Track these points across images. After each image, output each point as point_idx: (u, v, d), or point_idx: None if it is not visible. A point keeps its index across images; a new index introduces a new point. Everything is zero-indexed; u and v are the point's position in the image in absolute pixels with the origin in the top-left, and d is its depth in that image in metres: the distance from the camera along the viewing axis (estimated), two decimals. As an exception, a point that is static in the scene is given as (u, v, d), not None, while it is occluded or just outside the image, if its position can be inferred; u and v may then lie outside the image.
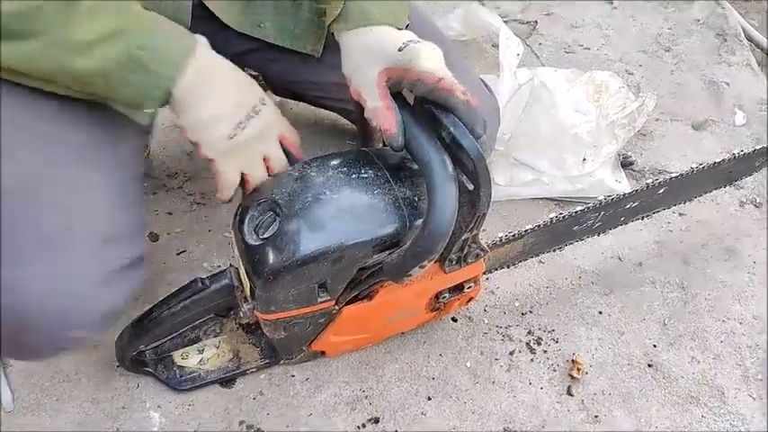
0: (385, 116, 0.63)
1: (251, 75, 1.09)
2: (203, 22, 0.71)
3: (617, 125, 1.06)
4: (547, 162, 1.04)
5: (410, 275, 0.65)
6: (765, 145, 0.92)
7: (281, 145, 0.68)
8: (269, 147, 0.67)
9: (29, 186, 0.55)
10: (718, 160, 0.87)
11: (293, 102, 1.13)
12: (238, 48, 0.83)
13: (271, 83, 1.06)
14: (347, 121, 1.01)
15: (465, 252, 0.72)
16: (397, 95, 0.65)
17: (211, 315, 0.74)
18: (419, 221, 0.66)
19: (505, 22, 1.35)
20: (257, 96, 0.64)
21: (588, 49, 1.30)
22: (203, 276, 0.70)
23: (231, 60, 0.96)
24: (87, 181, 0.59)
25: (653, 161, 1.09)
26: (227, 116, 0.62)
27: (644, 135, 1.12)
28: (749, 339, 0.87)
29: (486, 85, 0.95)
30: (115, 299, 0.58)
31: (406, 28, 0.70)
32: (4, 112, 0.55)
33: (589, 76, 1.16)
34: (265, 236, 0.65)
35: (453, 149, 0.62)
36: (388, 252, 0.67)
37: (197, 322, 0.74)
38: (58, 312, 0.54)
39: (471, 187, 0.63)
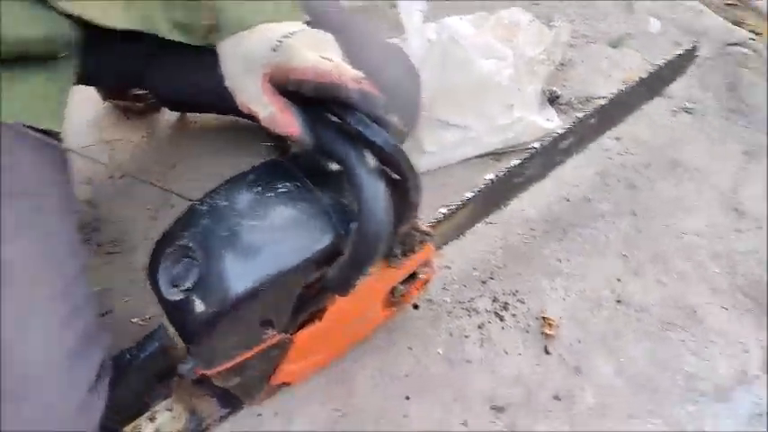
0: (283, 120, 0.55)
1: (138, 94, 1.01)
2: (92, 50, 0.62)
3: (536, 62, 1.02)
4: (473, 117, 0.99)
5: (354, 286, 0.60)
6: (684, 49, 0.89)
7: None
8: None
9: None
10: (641, 77, 0.84)
11: (196, 114, 1.04)
12: (131, 68, 0.75)
13: (169, 99, 0.97)
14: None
15: (408, 243, 0.67)
16: (295, 93, 0.58)
17: (154, 382, 0.68)
18: (354, 224, 0.60)
19: (399, -23, 1.28)
20: None
21: (489, -14, 1.24)
22: (129, 346, 0.63)
23: (119, 82, 0.85)
24: (37, 288, 0.55)
25: (578, 90, 1.06)
26: None
27: (564, 65, 1.09)
28: (709, 250, 0.86)
29: (398, 48, 0.88)
30: (98, 409, 0.58)
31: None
32: None
33: (496, 17, 1.10)
34: (186, 287, 0.57)
35: (367, 144, 0.56)
36: (328, 266, 0.61)
37: (139, 394, 0.67)
38: None
39: (400, 178, 0.58)
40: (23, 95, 0.59)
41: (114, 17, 0.65)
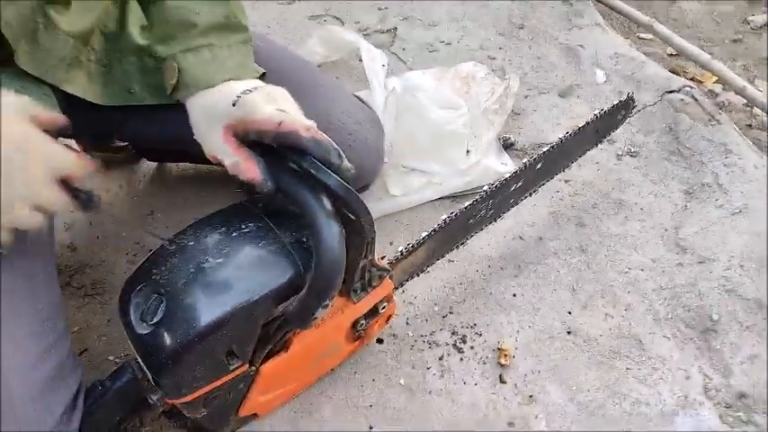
0: (246, 167, 0.62)
1: (119, 146, 1.07)
2: (73, 109, 0.68)
3: (490, 111, 1.10)
4: (434, 163, 1.06)
5: (315, 318, 0.64)
6: (622, 99, 0.98)
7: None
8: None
9: None
10: (581, 124, 0.92)
11: (173, 164, 1.10)
12: (109, 125, 0.81)
13: (146, 150, 1.03)
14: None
15: (367, 278, 0.72)
16: (256, 143, 0.64)
17: (125, 413, 0.71)
18: (313, 261, 0.65)
19: (366, 35, 1.38)
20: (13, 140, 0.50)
21: (449, 44, 1.34)
22: (102, 378, 0.67)
23: (99, 135, 0.90)
24: (14, 326, 0.58)
25: (531, 137, 1.14)
26: None
27: (518, 114, 1.17)
28: (653, 283, 0.92)
29: (361, 101, 0.96)
30: None
31: (262, 76, 0.69)
32: None
33: (454, 70, 1.19)
34: (154, 321, 0.61)
35: (321, 187, 0.61)
36: (290, 300, 0.65)
37: (111, 424, 0.70)
38: None
39: (354, 217, 0.63)
40: None
41: (96, 95, 0.72)
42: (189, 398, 0.66)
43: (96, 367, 0.82)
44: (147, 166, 1.09)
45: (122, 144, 1.06)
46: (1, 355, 0.56)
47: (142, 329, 0.62)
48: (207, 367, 0.64)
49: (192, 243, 0.65)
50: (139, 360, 0.65)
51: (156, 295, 0.63)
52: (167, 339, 0.60)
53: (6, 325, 0.58)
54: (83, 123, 0.75)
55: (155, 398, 0.66)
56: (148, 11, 0.70)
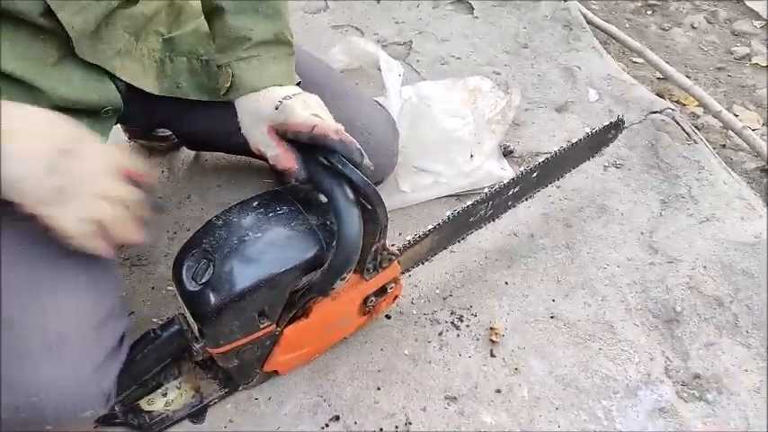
0: (285, 158, 0.73)
1: (161, 135, 1.20)
2: (130, 99, 0.80)
3: (493, 122, 1.23)
4: (441, 164, 1.19)
5: (334, 288, 0.76)
6: (612, 120, 1.11)
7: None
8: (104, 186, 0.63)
9: (23, 289, 0.63)
10: (575, 140, 1.05)
11: (208, 153, 1.23)
12: (163, 115, 0.93)
13: (189, 139, 1.15)
14: (261, 162, 1.12)
15: (378, 260, 0.84)
16: (292, 140, 0.76)
17: (168, 360, 0.83)
18: (335, 240, 0.77)
19: (384, 46, 1.51)
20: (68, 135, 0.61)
21: (460, 58, 1.47)
22: (154, 328, 0.79)
23: (157, 126, 1.01)
24: (73, 273, 0.67)
25: (529, 146, 1.27)
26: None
27: (518, 125, 1.30)
28: (627, 278, 1.05)
29: (381, 105, 1.09)
30: (112, 376, 0.69)
31: (298, 83, 0.81)
32: None
33: (462, 83, 1.32)
34: (203, 281, 0.72)
35: (345, 180, 0.73)
36: (313, 273, 0.78)
37: (157, 369, 0.83)
38: (71, 401, 0.64)
39: (370, 206, 0.76)
40: None
41: (149, 85, 0.84)
42: (225, 348, 0.78)
43: (142, 328, 0.93)
44: (186, 154, 1.22)
45: (165, 134, 1.19)
46: (61, 298, 0.66)
47: (192, 287, 0.73)
48: (242, 323, 0.76)
49: (235, 219, 0.77)
50: (186, 314, 0.77)
51: (205, 260, 0.74)
52: (212, 297, 0.72)
53: (69, 275, 0.68)
54: (138, 112, 0.87)
55: (197, 346, 0.78)
56: (211, 22, 0.82)
